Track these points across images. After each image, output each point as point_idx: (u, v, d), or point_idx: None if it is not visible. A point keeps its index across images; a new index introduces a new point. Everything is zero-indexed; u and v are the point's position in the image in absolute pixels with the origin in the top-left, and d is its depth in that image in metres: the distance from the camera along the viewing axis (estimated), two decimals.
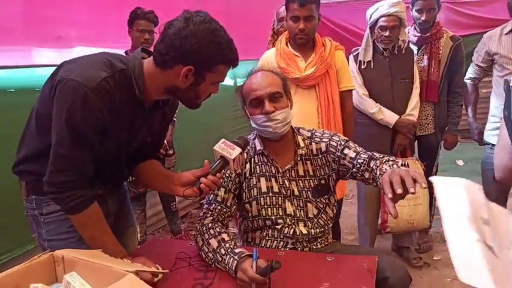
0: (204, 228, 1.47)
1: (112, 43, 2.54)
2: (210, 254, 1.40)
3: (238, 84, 4.91)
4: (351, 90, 2.34)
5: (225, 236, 1.43)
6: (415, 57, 2.62)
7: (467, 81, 2.68)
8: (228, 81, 4.47)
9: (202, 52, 1.17)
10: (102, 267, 1.08)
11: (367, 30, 2.56)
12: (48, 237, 1.36)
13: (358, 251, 1.59)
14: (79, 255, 1.14)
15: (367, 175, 1.52)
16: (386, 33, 2.44)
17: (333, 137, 1.62)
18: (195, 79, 1.22)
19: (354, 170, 1.55)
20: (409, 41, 2.63)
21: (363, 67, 2.54)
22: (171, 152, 2.83)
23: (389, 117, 2.51)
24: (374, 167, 1.48)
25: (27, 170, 1.33)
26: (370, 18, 2.50)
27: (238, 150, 1.33)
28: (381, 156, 1.53)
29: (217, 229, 1.46)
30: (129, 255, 1.36)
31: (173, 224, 3.20)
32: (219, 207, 1.53)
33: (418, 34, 2.66)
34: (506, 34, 2.38)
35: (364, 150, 1.58)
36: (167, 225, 3.34)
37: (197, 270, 1.39)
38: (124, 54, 1.79)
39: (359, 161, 1.53)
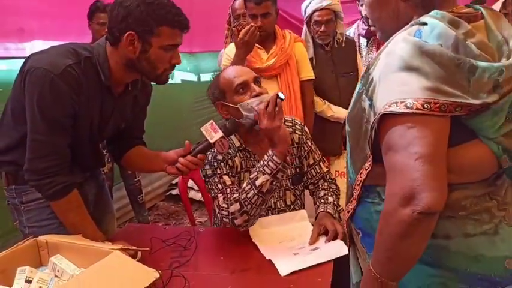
0: (230, 197, 1.46)
1: (75, 36, 2.53)
2: (247, 188, 1.43)
3: (201, 80, 4.95)
4: (311, 80, 2.42)
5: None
6: (365, 49, 2.77)
7: None
8: (191, 76, 4.52)
9: (136, 14, 1.21)
10: (87, 248, 1.15)
11: (304, 26, 2.52)
12: (28, 224, 1.40)
13: None
14: (62, 239, 1.19)
15: (311, 187, 1.71)
16: (322, 28, 2.40)
17: (304, 132, 1.71)
18: (142, 46, 1.25)
19: (305, 175, 1.70)
20: (359, 34, 2.78)
21: None
22: None
23: (339, 112, 2.48)
24: (319, 188, 1.68)
25: (6, 160, 1.37)
26: (305, 13, 2.45)
27: (219, 134, 1.36)
28: (329, 179, 1.71)
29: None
30: (108, 240, 1.43)
31: (140, 216, 3.24)
32: (234, 188, 1.51)
33: (366, 27, 2.83)
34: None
35: (320, 158, 1.72)
36: (134, 219, 3.37)
37: (173, 250, 1.47)
38: None
39: (312, 171, 1.70)
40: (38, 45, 2.35)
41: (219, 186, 1.52)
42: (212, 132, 1.36)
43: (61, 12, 2.47)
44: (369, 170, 0.95)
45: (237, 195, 1.45)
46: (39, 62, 1.23)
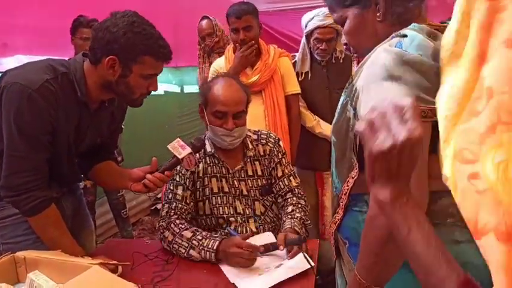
0: (173, 225, 1.53)
1: (58, 51, 2.53)
2: (185, 243, 1.47)
3: (185, 91, 4.97)
4: (297, 94, 2.41)
5: (196, 228, 1.54)
6: None
7: None
8: (175, 88, 4.53)
9: (121, 41, 1.21)
10: (66, 263, 1.13)
11: (303, 39, 2.47)
12: (3, 241, 1.38)
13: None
14: (41, 255, 1.18)
15: (279, 200, 1.73)
16: (322, 46, 2.36)
17: (276, 144, 1.75)
18: (122, 70, 1.26)
19: (273, 187, 1.72)
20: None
21: (300, 78, 2.47)
22: (119, 158, 2.85)
23: (328, 130, 2.40)
24: (288, 203, 1.69)
25: None
26: (306, 27, 2.39)
27: (188, 150, 1.39)
28: (298, 193, 1.73)
29: (186, 224, 1.55)
30: (88, 255, 1.41)
31: (124, 231, 3.20)
32: (179, 205, 1.60)
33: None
34: None
35: (290, 173, 1.74)
36: (118, 234, 3.32)
37: (155, 265, 1.46)
38: None
39: (280, 184, 1.72)
40: (22, 60, 2.34)
41: (170, 195, 1.61)
42: (180, 149, 1.39)
43: (44, 28, 2.47)
44: (355, 177, 0.97)
45: (177, 229, 1.52)
46: (16, 78, 1.22)
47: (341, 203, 1.04)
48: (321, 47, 2.37)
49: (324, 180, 2.56)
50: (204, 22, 2.84)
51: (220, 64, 2.40)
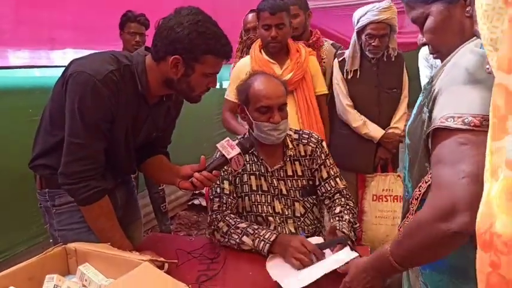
0: (228, 217, 1.54)
1: (104, 45, 2.57)
2: (239, 231, 1.48)
3: (223, 87, 4.96)
4: (325, 94, 2.37)
5: (249, 222, 1.55)
6: None
7: None
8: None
9: (186, 41, 1.22)
10: (116, 257, 1.13)
11: (354, 35, 2.33)
12: (59, 227, 1.41)
13: None
14: (91, 248, 1.18)
15: (327, 201, 1.67)
16: (375, 43, 2.24)
17: (319, 145, 1.69)
18: (185, 70, 1.27)
19: (318, 189, 1.67)
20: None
21: (349, 76, 2.36)
22: None
23: (375, 131, 2.36)
24: (336, 204, 1.63)
25: (42, 164, 1.38)
26: (358, 22, 2.27)
27: (237, 150, 1.37)
28: (346, 195, 1.66)
29: (240, 219, 1.56)
30: (135, 249, 1.40)
31: (163, 225, 3.23)
32: (229, 199, 1.59)
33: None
34: None
35: (336, 174, 1.68)
36: (156, 227, 3.37)
37: (200, 263, 1.44)
38: None
39: (326, 186, 1.66)
40: (69, 53, 2.41)
41: (218, 190, 1.61)
42: (229, 149, 1.37)
43: (91, 22, 2.52)
44: (429, 182, 0.93)
45: (232, 222, 1.52)
46: (82, 67, 1.24)
47: (411, 208, 0.99)
48: (373, 43, 2.26)
49: (366, 184, 2.46)
50: (251, 15, 2.75)
51: (243, 66, 2.29)
